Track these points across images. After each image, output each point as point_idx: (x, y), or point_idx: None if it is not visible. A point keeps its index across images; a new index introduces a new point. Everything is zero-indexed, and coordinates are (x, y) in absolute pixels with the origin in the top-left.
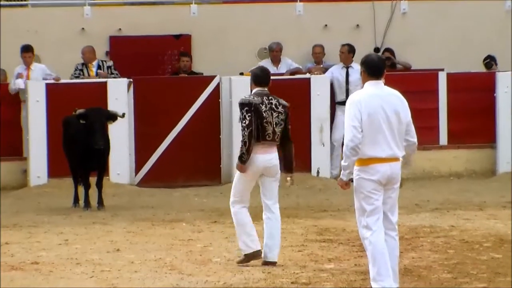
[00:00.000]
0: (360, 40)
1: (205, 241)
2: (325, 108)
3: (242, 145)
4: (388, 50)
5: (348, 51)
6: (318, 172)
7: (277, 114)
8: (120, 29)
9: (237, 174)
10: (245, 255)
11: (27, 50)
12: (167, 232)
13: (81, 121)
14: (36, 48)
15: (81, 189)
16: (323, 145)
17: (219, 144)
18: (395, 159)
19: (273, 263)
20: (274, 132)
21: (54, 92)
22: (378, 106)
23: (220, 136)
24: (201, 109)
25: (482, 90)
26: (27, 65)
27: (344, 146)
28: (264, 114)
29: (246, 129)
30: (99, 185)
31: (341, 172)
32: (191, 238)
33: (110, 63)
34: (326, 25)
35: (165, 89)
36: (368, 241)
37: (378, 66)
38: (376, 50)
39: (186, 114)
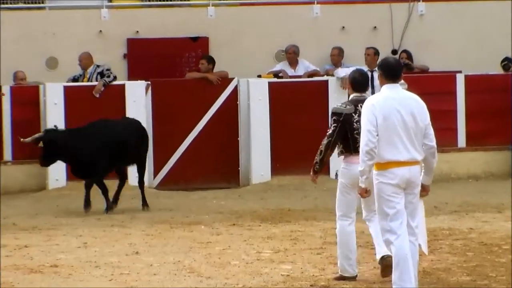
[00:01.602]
0: (377, 42)
1: (223, 243)
2: None
3: (318, 153)
4: (405, 52)
5: (374, 54)
6: (336, 174)
7: None
8: (137, 31)
9: (338, 186)
10: (341, 275)
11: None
12: (186, 235)
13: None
14: (53, 51)
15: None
16: None
17: (237, 147)
18: (414, 162)
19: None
20: None
21: (72, 94)
22: (393, 109)
23: (238, 139)
24: (219, 111)
25: (500, 92)
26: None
27: (360, 151)
28: (355, 125)
29: (326, 138)
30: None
31: (360, 179)
32: (210, 241)
33: (104, 67)
34: (343, 27)
35: (183, 91)
36: (392, 245)
37: (395, 70)
38: (394, 52)
39: (204, 116)
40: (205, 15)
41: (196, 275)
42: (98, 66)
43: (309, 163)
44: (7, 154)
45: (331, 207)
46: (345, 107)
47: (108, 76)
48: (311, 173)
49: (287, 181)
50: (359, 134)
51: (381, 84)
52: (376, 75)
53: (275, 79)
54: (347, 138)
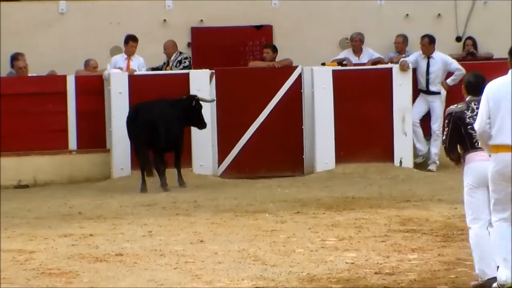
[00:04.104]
0: (441, 29)
1: (288, 232)
2: (407, 98)
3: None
4: (470, 38)
5: (429, 43)
6: (400, 161)
7: None
8: (201, 20)
9: (464, 192)
10: (481, 281)
11: (133, 39)
12: (251, 223)
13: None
14: (118, 41)
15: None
16: (405, 135)
17: (302, 135)
18: None
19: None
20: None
21: (137, 83)
22: (505, 93)
23: (302, 127)
24: (283, 100)
25: None
26: (129, 55)
27: None
28: (469, 120)
29: (443, 144)
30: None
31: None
32: (275, 229)
33: (183, 55)
34: (407, 15)
35: (247, 80)
36: (490, 229)
37: None
38: (458, 39)
39: (268, 104)
40: (269, 4)
41: (261, 263)
42: (180, 53)
43: (373, 151)
44: (72, 143)
45: (396, 195)
46: (456, 106)
47: (182, 63)
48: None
49: (351, 169)
50: (473, 129)
51: (510, 67)
52: (431, 61)
53: (339, 67)
54: (462, 135)
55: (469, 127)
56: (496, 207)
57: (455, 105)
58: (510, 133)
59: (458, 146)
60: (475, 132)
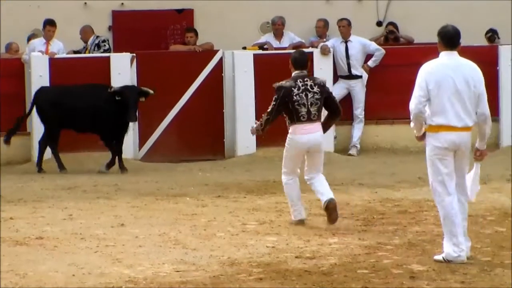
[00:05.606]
0: (362, 14)
1: (209, 215)
2: (328, 83)
3: (260, 123)
4: (391, 23)
5: (348, 24)
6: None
7: (312, 95)
8: (122, 3)
9: (285, 150)
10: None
11: (51, 24)
12: (171, 207)
13: (117, 98)
14: (38, 24)
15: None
16: None
17: (223, 119)
18: (464, 128)
19: (332, 199)
20: (309, 112)
21: (57, 66)
22: (446, 75)
23: (223, 111)
24: (204, 84)
25: (486, 64)
26: (48, 40)
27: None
28: (295, 98)
29: (265, 115)
30: (120, 151)
31: (414, 132)
32: (195, 213)
33: (101, 38)
34: None
35: (168, 63)
36: (443, 203)
37: (453, 37)
38: (379, 23)
39: (189, 88)
40: None
41: (182, 247)
42: (97, 37)
43: None
44: None
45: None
46: (285, 82)
47: (101, 47)
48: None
49: (272, 153)
50: (300, 105)
51: (440, 50)
52: (350, 45)
53: (260, 51)
54: (289, 110)
55: (296, 103)
56: (447, 181)
57: (284, 81)
58: (453, 115)
59: (286, 117)
60: (301, 108)
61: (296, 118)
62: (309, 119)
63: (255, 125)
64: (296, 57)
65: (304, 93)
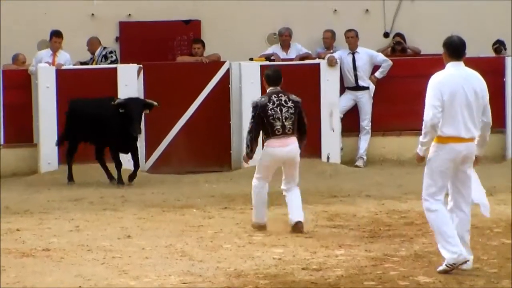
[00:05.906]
0: (369, 25)
1: (215, 227)
2: (334, 94)
3: (246, 145)
4: (398, 34)
5: (356, 35)
6: (328, 157)
7: (286, 109)
8: (129, 14)
9: (260, 158)
10: (252, 224)
11: (58, 35)
12: (178, 218)
13: (120, 110)
14: (45, 35)
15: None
16: (333, 131)
17: (229, 130)
18: (472, 139)
19: (299, 222)
20: (283, 126)
21: (64, 78)
22: (459, 86)
23: (230, 122)
24: (211, 95)
25: (492, 75)
26: (54, 51)
27: (424, 124)
28: (270, 112)
29: (248, 134)
30: (137, 164)
31: (419, 147)
32: (202, 224)
33: (108, 49)
34: (335, 10)
35: (175, 74)
36: (435, 212)
37: (459, 48)
38: (386, 35)
39: (196, 99)
40: None
41: (188, 259)
42: (104, 48)
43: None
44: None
45: (323, 190)
46: (260, 99)
47: (108, 58)
48: (244, 155)
49: None
50: (275, 119)
51: (446, 61)
52: (357, 56)
53: (267, 62)
54: (264, 125)
55: (270, 117)
56: (442, 192)
57: (259, 97)
58: (462, 126)
59: (261, 132)
60: (276, 122)
61: (271, 133)
62: (284, 133)
63: (243, 153)
64: (269, 74)
65: (278, 107)
